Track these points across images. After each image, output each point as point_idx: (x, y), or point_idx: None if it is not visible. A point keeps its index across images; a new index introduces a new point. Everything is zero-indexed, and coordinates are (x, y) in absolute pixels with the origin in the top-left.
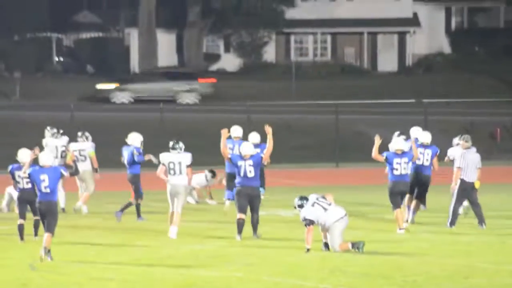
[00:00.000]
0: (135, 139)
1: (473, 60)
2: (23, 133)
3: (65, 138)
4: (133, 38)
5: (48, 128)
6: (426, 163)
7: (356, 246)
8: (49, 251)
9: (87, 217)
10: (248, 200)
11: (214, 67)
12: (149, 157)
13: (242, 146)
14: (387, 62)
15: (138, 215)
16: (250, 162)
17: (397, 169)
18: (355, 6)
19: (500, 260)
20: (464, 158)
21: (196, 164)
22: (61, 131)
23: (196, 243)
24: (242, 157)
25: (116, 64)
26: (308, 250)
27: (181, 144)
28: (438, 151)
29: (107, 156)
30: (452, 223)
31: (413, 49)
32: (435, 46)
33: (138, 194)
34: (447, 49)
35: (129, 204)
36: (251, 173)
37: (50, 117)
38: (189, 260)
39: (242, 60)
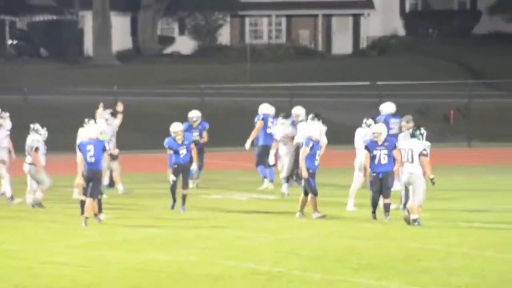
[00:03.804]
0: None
1: (427, 43)
2: None
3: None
4: (87, 21)
5: None
6: None
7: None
8: (86, 218)
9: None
10: None
11: (168, 50)
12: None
13: None
14: (342, 44)
15: None
16: None
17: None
18: None
19: (453, 242)
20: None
21: (149, 148)
22: None
23: (151, 226)
24: None
25: (70, 47)
26: None
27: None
28: None
29: (61, 139)
30: (405, 205)
31: (367, 32)
32: (389, 28)
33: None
34: (401, 31)
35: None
36: None
37: (3, 100)
38: (143, 244)
39: (197, 43)
